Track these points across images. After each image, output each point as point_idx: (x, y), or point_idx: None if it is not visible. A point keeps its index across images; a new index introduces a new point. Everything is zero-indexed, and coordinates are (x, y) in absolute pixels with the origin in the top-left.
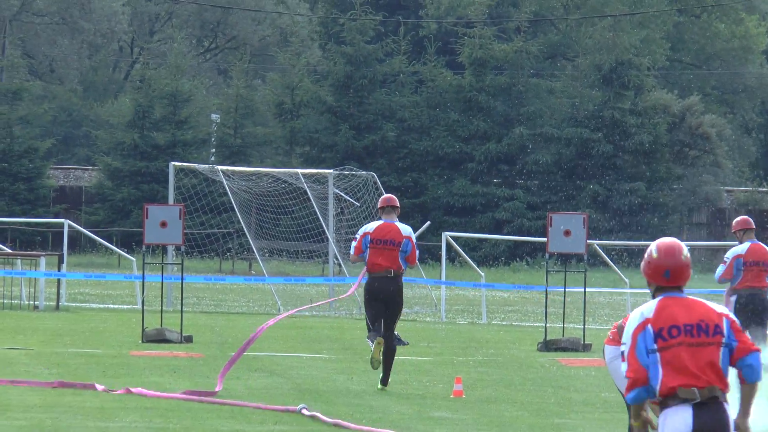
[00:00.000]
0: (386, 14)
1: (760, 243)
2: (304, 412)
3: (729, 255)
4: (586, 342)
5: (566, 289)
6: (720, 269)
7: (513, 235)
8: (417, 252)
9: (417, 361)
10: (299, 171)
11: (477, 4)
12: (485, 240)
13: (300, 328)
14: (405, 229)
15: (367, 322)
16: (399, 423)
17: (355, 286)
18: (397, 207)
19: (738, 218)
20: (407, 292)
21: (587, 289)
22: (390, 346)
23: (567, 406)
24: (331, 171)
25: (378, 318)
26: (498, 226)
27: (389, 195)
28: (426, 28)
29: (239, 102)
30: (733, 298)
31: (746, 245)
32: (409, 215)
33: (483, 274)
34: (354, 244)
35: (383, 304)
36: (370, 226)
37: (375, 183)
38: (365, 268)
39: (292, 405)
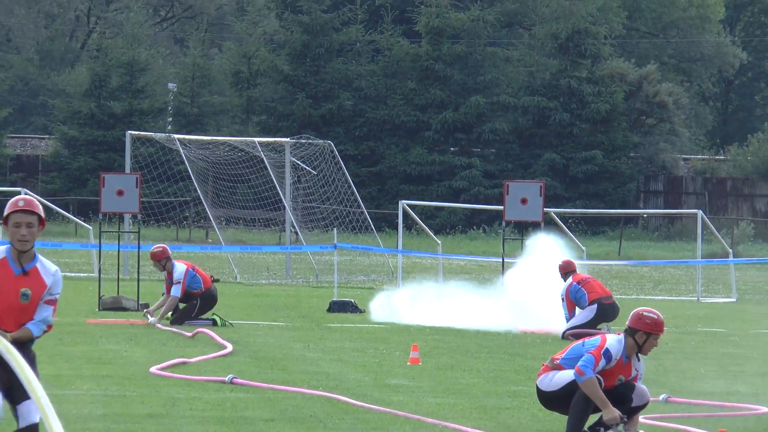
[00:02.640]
0: None
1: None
2: (235, 381)
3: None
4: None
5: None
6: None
7: (470, 203)
8: None
9: (373, 329)
10: (256, 140)
11: None
12: (442, 208)
13: (257, 296)
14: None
15: None
16: (356, 390)
17: None
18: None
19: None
20: (363, 260)
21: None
22: None
23: (523, 374)
24: (288, 140)
25: None
26: (455, 194)
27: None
28: None
29: (196, 71)
30: None
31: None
32: (366, 183)
33: (440, 242)
34: None
35: None
36: None
37: (332, 151)
38: None
39: (249, 373)
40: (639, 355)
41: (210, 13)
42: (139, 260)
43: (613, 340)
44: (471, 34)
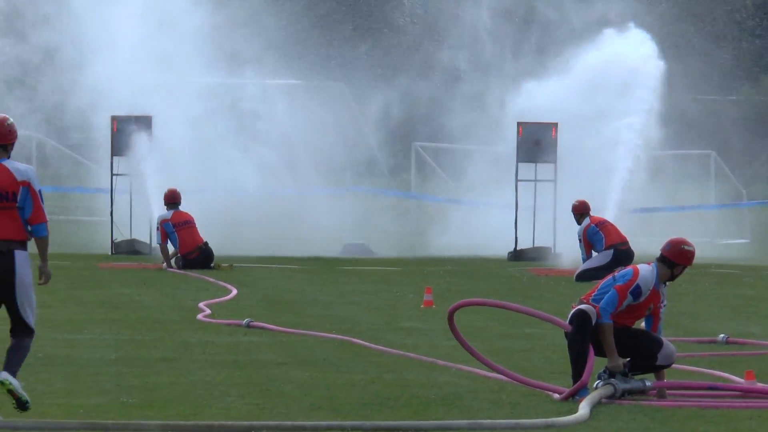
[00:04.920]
0: None
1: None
2: (252, 325)
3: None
4: (556, 251)
5: (536, 200)
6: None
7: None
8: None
9: (387, 272)
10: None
11: None
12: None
13: (269, 238)
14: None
15: None
16: (369, 333)
17: None
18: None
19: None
20: (380, 201)
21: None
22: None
23: None
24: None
25: None
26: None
27: None
28: None
29: None
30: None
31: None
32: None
33: (452, 183)
34: None
35: None
36: None
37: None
38: None
39: (261, 316)
40: (664, 288)
41: None
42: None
43: (646, 272)
44: None
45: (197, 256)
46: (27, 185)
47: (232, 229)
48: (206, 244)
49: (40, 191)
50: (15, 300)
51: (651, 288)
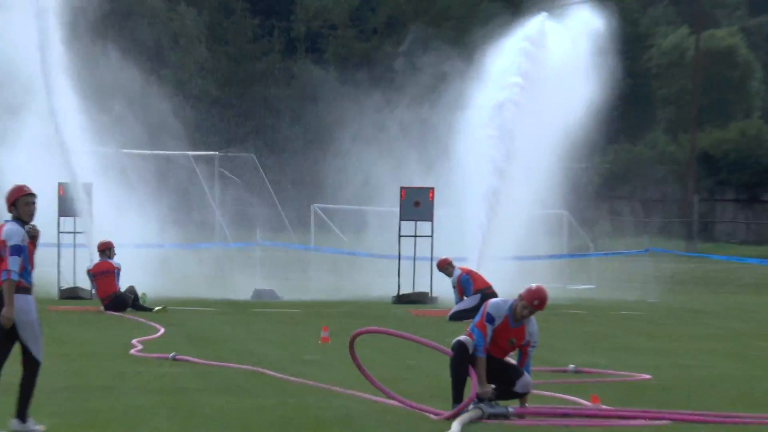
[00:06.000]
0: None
1: None
2: (177, 358)
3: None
4: (432, 295)
5: (416, 252)
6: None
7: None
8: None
9: (290, 313)
10: (190, 153)
11: (340, 9)
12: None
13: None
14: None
15: None
16: (276, 365)
17: None
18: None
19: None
20: (281, 256)
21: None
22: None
23: (419, 350)
24: (217, 153)
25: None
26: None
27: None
28: (296, 30)
29: None
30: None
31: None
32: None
33: (346, 239)
34: None
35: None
36: None
37: (254, 162)
38: None
39: (185, 351)
40: (531, 320)
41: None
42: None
43: (495, 301)
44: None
45: (109, 303)
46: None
47: (162, 277)
48: (122, 292)
49: (11, 246)
50: (20, 338)
51: (504, 316)
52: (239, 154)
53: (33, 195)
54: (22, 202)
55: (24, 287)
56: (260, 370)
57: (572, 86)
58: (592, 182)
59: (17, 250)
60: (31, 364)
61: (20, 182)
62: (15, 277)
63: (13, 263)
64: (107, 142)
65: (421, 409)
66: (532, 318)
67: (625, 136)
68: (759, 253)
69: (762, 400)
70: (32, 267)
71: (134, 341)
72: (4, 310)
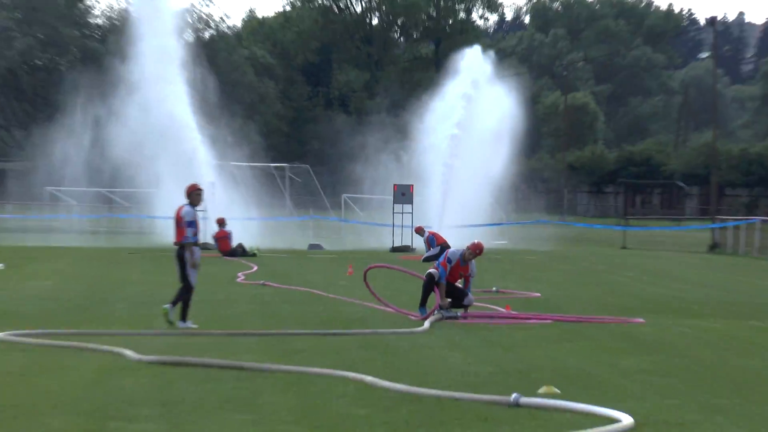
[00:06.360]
0: (313, 86)
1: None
2: (265, 284)
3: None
4: (412, 247)
5: (403, 222)
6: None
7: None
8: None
9: (330, 258)
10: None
11: (357, 82)
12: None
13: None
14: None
15: None
16: (321, 287)
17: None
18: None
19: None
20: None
21: None
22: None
23: (404, 279)
24: (287, 165)
25: None
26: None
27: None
28: (333, 93)
29: None
30: None
31: None
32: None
33: (362, 214)
34: None
35: None
36: None
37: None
38: None
39: (270, 280)
40: (473, 263)
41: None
42: None
43: (453, 250)
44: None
45: (225, 253)
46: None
47: (256, 237)
48: (233, 248)
49: (187, 221)
50: (187, 271)
51: (456, 259)
52: (300, 165)
53: (201, 189)
54: (194, 193)
55: (196, 244)
56: (312, 290)
57: (497, 131)
58: (508, 181)
59: (191, 224)
60: (188, 287)
61: (193, 181)
62: (193, 239)
63: (190, 232)
64: (223, 158)
65: (406, 313)
66: (474, 261)
67: (524, 155)
68: (601, 222)
69: (605, 308)
70: (198, 232)
71: (239, 274)
72: (192, 259)
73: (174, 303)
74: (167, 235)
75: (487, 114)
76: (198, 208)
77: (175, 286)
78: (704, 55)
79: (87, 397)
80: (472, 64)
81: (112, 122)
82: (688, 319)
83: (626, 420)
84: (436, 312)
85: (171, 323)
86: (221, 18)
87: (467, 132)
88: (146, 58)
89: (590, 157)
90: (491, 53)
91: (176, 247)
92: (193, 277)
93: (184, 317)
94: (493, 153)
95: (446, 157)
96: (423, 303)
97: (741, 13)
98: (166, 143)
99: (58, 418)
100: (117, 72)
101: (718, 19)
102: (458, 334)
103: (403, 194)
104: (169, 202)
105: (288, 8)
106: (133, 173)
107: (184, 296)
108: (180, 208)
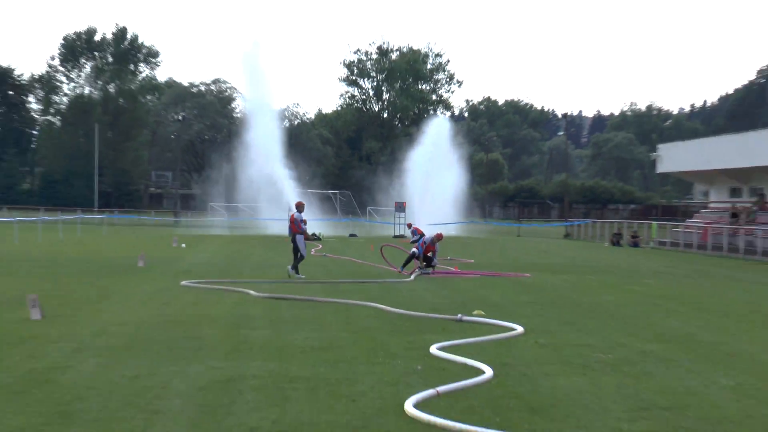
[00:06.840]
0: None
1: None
2: (327, 255)
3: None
4: (405, 236)
5: (399, 221)
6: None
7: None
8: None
9: (360, 241)
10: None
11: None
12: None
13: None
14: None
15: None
16: (356, 256)
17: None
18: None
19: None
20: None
21: None
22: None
23: (400, 257)
24: (337, 192)
25: None
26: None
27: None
28: (366, 150)
29: None
30: None
31: None
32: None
33: (378, 218)
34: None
35: None
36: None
37: (350, 195)
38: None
39: (328, 252)
40: (437, 244)
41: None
42: None
43: (427, 235)
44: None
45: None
46: (293, 219)
47: (319, 227)
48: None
49: (298, 220)
50: (299, 247)
51: (428, 241)
52: (344, 191)
53: (303, 204)
54: (301, 207)
55: (305, 233)
56: (351, 258)
57: (452, 165)
58: (459, 199)
59: (302, 222)
60: (302, 256)
61: (299, 199)
62: (307, 231)
63: (305, 228)
64: (302, 186)
65: (400, 271)
66: (438, 243)
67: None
68: (506, 222)
69: (507, 267)
70: (305, 225)
71: (312, 250)
72: (306, 239)
73: (293, 267)
74: (272, 229)
75: (446, 165)
76: (303, 215)
77: (279, 259)
78: (561, 133)
79: (229, 316)
80: (435, 134)
81: (240, 170)
82: (554, 275)
83: (519, 329)
84: (417, 271)
85: (290, 276)
86: (304, 113)
87: (433, 174)
88: (258, 137)
89: (500, 187)
90: (447, 125)
91: (291, 235)
92: (303, 249)
93: (295, 268)
94: (450, 182)
95: (422, 186)
96: (404, 265)
97: (580, 110)
98: (267, 183)
99: (213, 328)
100: (243, 142)
101: (568, 113)
102: (429, 283)
103: (399, 206)
104: (270, 213)
105: (339, 108)
106: (254, 194)
107: (299, 261)
108: (293, 215)
